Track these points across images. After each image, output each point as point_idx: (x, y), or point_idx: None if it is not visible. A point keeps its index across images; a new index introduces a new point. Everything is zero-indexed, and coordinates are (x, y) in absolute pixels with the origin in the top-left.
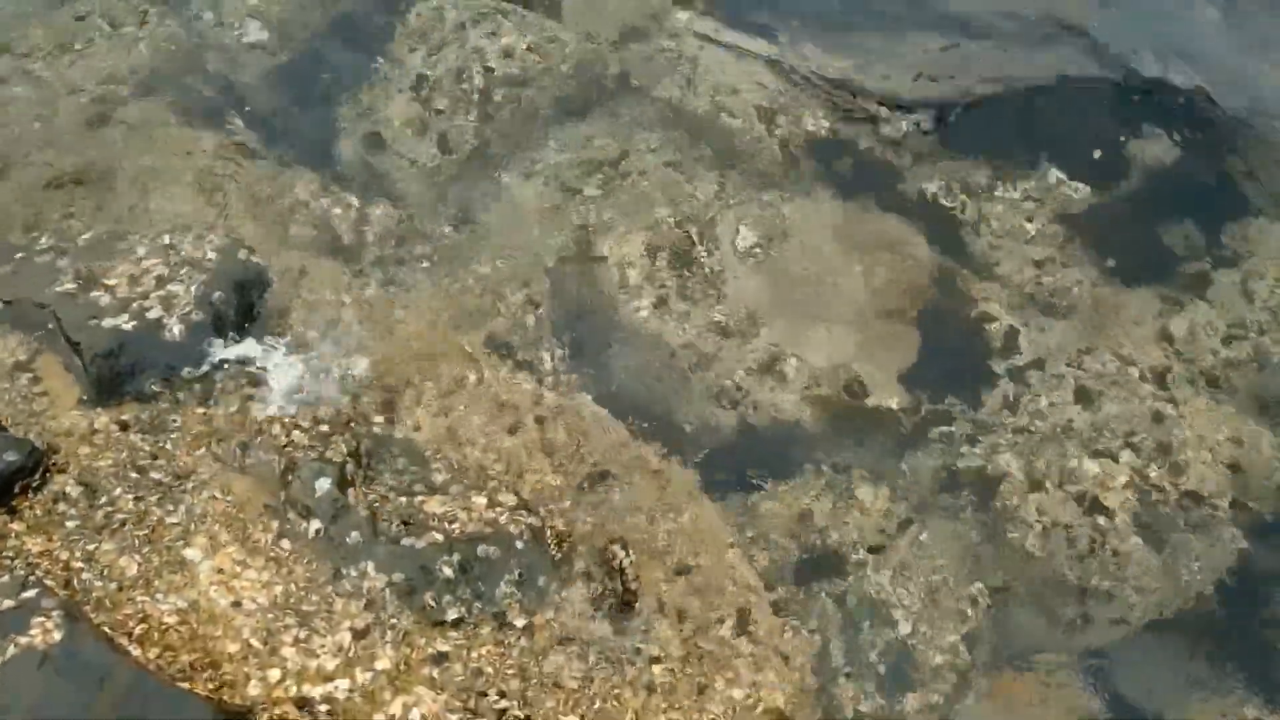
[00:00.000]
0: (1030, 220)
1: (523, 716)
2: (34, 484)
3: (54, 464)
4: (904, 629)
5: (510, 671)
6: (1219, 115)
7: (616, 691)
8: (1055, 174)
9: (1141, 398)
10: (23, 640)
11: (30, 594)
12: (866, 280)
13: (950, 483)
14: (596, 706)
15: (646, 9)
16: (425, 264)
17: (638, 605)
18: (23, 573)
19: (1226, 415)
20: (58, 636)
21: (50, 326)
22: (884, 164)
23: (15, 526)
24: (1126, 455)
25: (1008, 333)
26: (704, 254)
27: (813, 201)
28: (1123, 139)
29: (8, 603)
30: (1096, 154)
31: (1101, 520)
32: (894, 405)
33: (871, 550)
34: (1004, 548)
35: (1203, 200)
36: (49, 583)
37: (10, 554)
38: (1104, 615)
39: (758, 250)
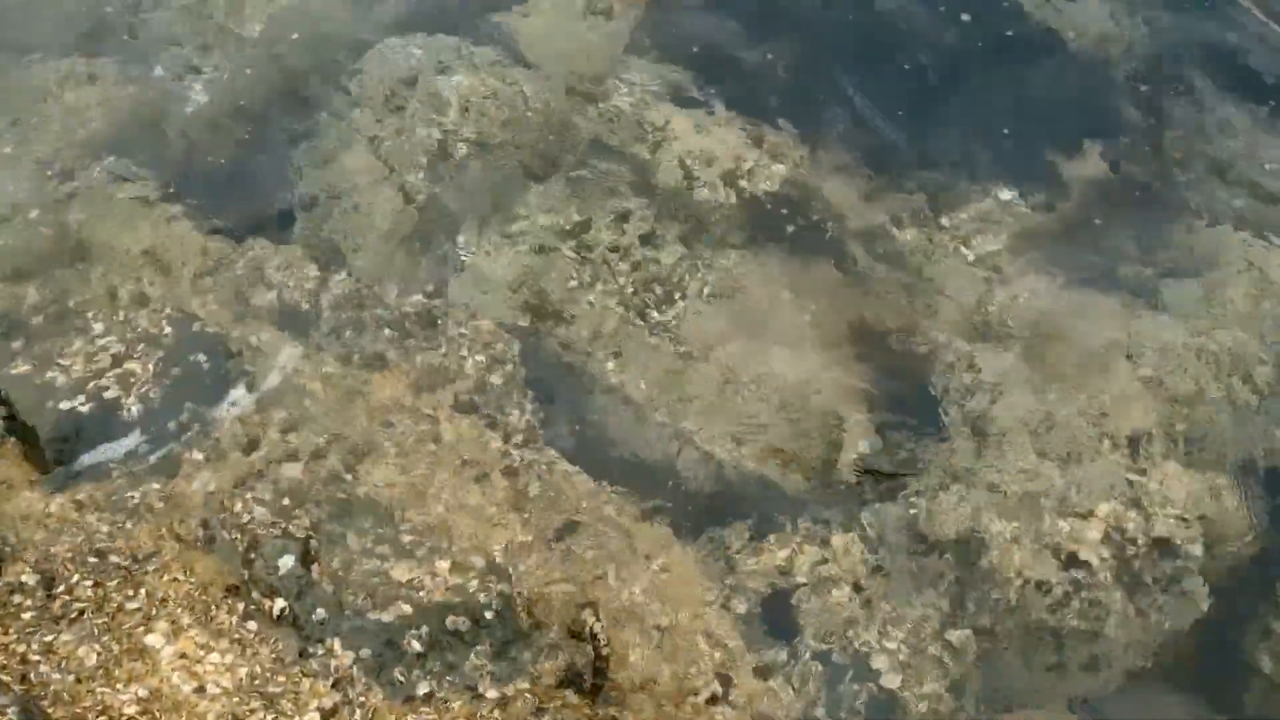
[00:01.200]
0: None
1: None
2: None
3: (9, 552)
4: (889, 682)
5: None
6: None
7: None
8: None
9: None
10: None
11: None
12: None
13: (919, 529)
14: None
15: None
16: (386, 329)
17: (610, 673)
18: None
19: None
20: None
21: (5, 413)
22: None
23: None
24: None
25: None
26: (667, 309)
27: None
28: None
29: None
30: None
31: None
32: (861, 451)
33: (851, 599)
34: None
35: None
36: (4, 678)
37: None
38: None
39: (716, 302)
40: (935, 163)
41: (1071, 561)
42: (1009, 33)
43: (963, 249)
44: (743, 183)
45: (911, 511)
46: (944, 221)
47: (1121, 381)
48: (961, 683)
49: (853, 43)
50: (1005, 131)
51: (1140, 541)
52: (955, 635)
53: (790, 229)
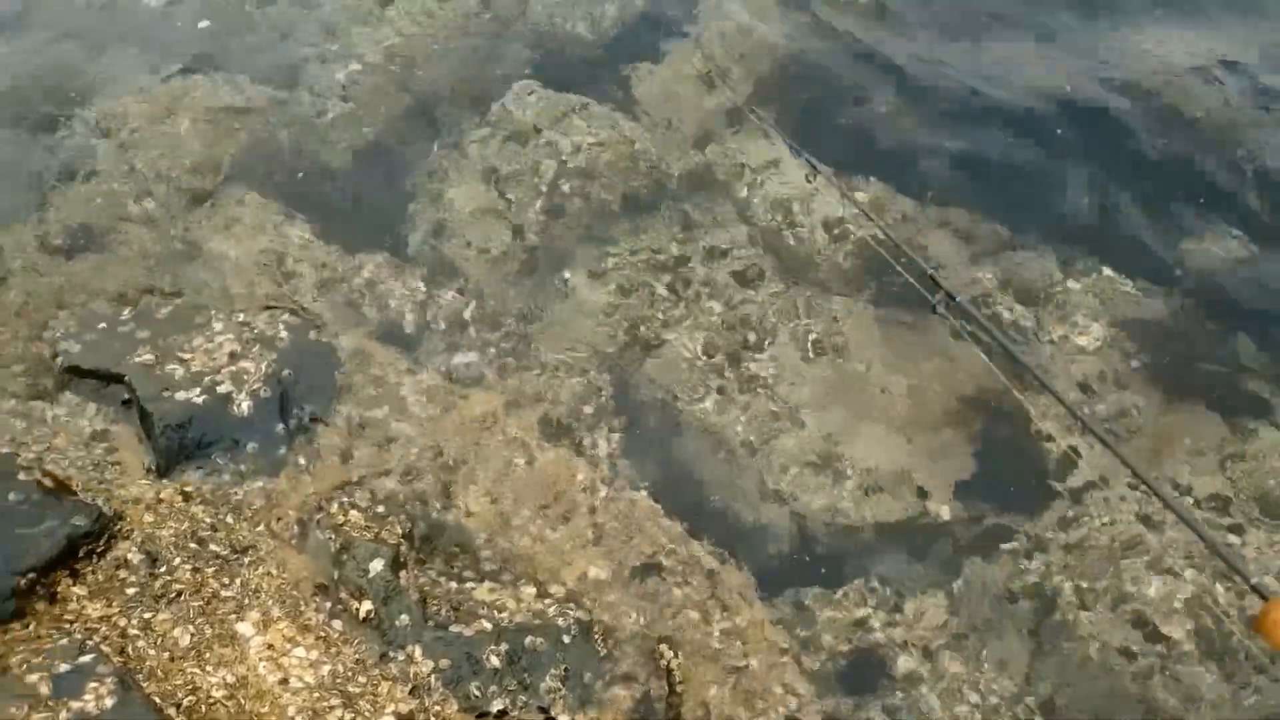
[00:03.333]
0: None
1: None
2: (98, 549)
3: (118, 531)
4: None
5: None
6: None
7: None
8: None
9: None
10: (75, 705)
11: (87, 659)
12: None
13: (1007, 598)
14: None
15: (719, 112)
16: (491, 350)
17: (684, 709)
18: (80, 637)
19: None
20: (110, 704)
21: (126, 397)
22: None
23: (77, 590)
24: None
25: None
26: (762, 356)
27: (868, 309)
28: None
29: (64, 666)
30: None
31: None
32: (949, 517)
33: (924, 663)
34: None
35: None
36: (105, 649)
37: (70, 617)
38: None
39: (815, 354)
40: (1040, 236)
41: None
42: (1128, 105)
43: (1073, 337)
44: (841, 231)
45: (996, 578)
46: (1054, 296)
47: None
48: None
49: (963, 104)
50: (1121, 208)
51: (1232, 614)
52: (1030, 703)
53: (891, 287)
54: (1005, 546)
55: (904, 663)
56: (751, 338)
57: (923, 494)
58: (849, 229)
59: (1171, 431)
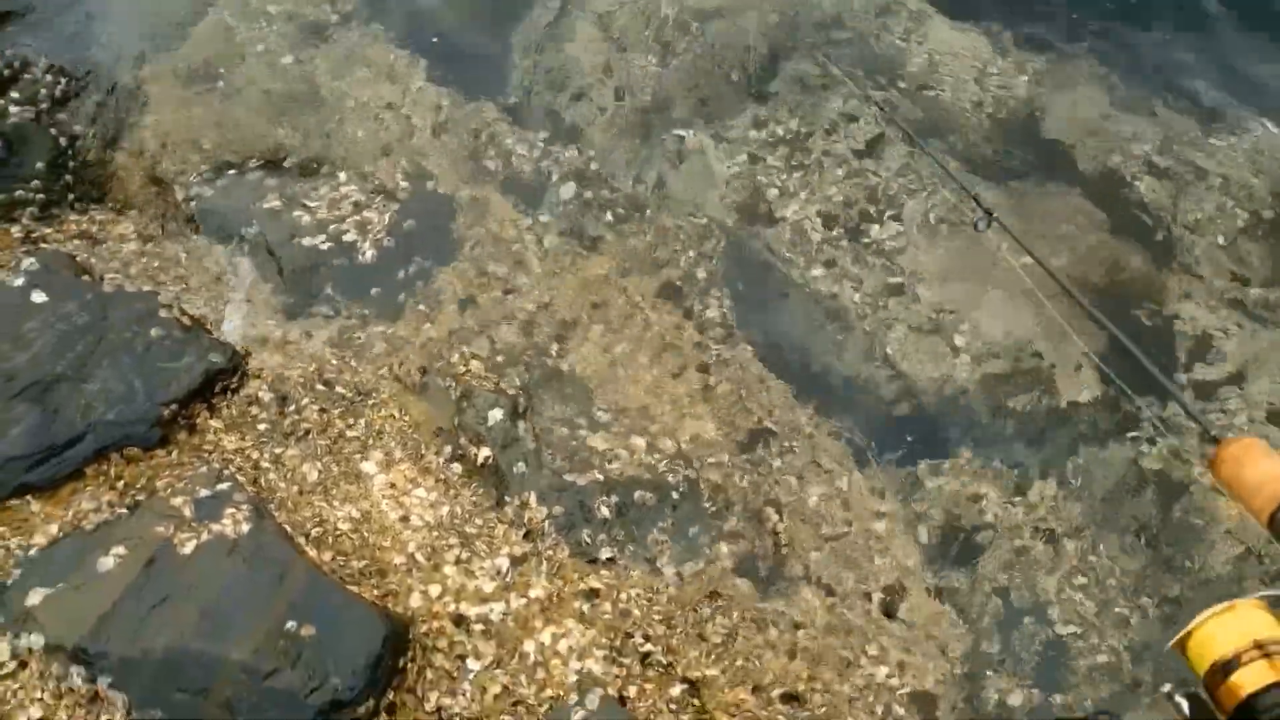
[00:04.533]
0: None
1: (665, 663)
2: (232, 385)
3: (251, 369)
4: (1064, 630)
5: (657, 617)
6: None
7: (759, 652)
8: None
9: None
10: (215, 527)
11: (224, 486)
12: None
13: (1131, 486)
14: (738, 664)
15: None
16: (606, 213)
17: (786, 569)
18: (218, 466)
19: None
20: (246, 529)
21: (255, 241)
22: None
23: (214, 424)
24: None
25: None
26: (884, 225)
27: (1005, 179)
28: None
29: (204, 491)
30: None
31: None
32: (1073, 394)
33: (1039, 544)
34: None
35: None
36: (240, 479)
37: (208, 448)
38: None
39: (940, 226)
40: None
41: None
42: None
43: (1223, 198)
44: (985, 93)
45: (1120, 461)
46: (1199, 155)
47: None
48: (1143, 649)
49: None
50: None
51: None
52: (1146, 600)
53: (1030, 154)
54: (1129, 431)
55: (1016, 540)
56: (871, 208)
57: (1047, 370)
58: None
59: None
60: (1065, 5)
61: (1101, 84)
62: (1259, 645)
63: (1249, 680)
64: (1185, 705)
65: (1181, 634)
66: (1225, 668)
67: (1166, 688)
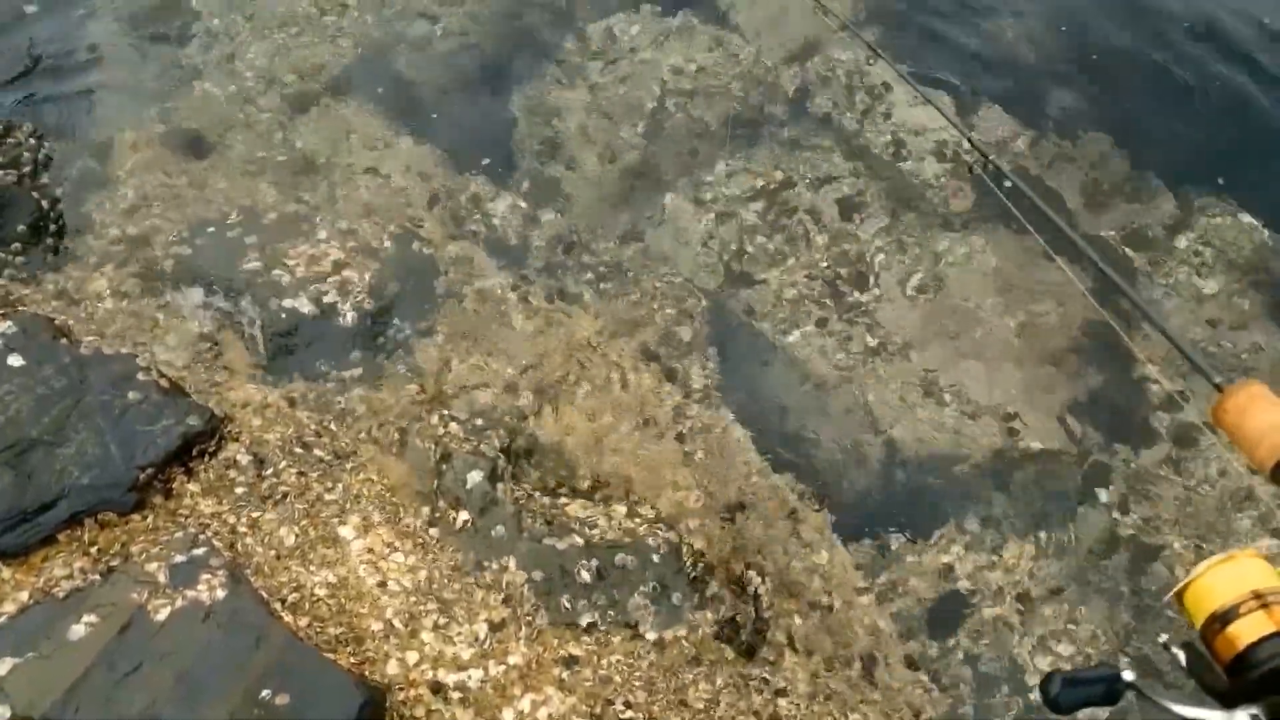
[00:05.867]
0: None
1: None
2: (210, 449)
3: (229, 432)
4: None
5: (638, 683)
6: None
7: (741, 718)
8: None
9: None
10: (190, 593)
11: (200, 551)
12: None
13: (1106, 549)
14: None
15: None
16: (588, 274)
17: (768, 635)
18: (194, 531)
19: None
20: (221, 595)
21: (235, 303)
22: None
23: (191, 487)
24: None
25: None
26: (863, 288)
27: (980, 241)
28: None
29: (180, 557)
30: None
31: None
32: (1049, 457)
33: (1016, 610)
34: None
35: None
36: (217, 543)
37: (185, 512)
38: None
39: (916, 288)
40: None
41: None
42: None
43: (1195, 278)
44: (955, 163)
45: (1096, 527)
46: (1179, 243)
47: None
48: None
49: (1099, 28)
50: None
51: None
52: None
53: (1008, 227)
54: (1104, 491)
55: (991, 608)
56: (851, 271)
57: (1022, 433)
58: (962, 157)
59: None
60: None
61: None
62: (1257, 596)
63: (1247, 631)
64: (1181, 656)
65: (1180, 585)
66: (1223, 618)
67: (1163, 639)
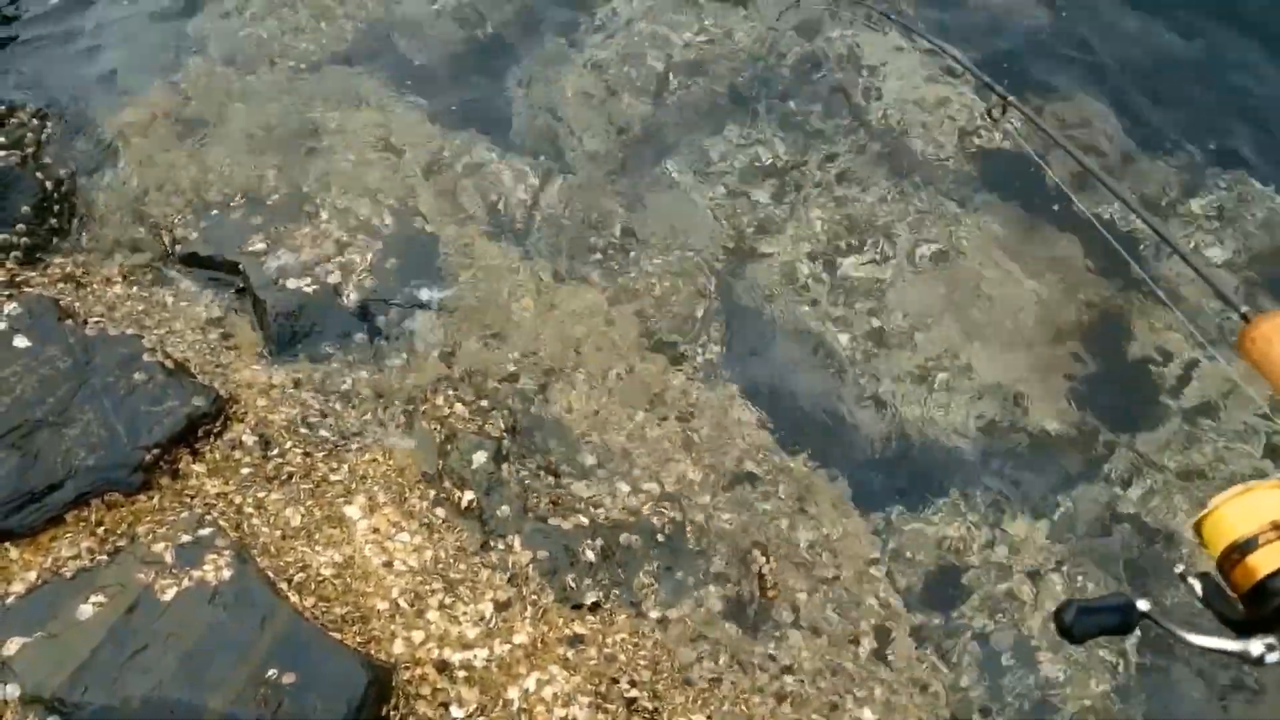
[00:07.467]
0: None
1: (651, 708)
2: (215, 430)
3: (234, 413)
4: (1050, 673)
5: (643, 662)
6: None
7: (746, 696)
8: None
9: None
10: (196, 574)
11: (206, 532)
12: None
13: (1114, 523)
14: (725, 708)
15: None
16: (593, 253)
17: (773, 612)
18: (200, 511)
19: None
20: (227, 575)
21: (240, 285)
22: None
23: (197, 468)
24: None
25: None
26: (871, 261)
27: (989, 214)
28: None
29: (186, 537)
30: None
31: None
32: (1057, 432)
33: (1025, 584)
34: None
35: None
36: (223, 524)
37: (191, 493)
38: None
39: (926, 261)
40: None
41: None
42: None
43: (1206, 250)
44: (969, 138)
45: (1103, 501)
46: (1193, 208)
47: None
48: (1129, 691)
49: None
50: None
51: None
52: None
53: (1018, 198)
54: (1112, 468)
55: (1000, 582)
56: (857, 243)
57: (1030, 407)
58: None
59: None
60: None
61: None
62: (1277, 526)
63: (1266, 561)
64: (1198, 585)
65: (1200, 515)
66: (1242, 548)
67: (1179, 568)
